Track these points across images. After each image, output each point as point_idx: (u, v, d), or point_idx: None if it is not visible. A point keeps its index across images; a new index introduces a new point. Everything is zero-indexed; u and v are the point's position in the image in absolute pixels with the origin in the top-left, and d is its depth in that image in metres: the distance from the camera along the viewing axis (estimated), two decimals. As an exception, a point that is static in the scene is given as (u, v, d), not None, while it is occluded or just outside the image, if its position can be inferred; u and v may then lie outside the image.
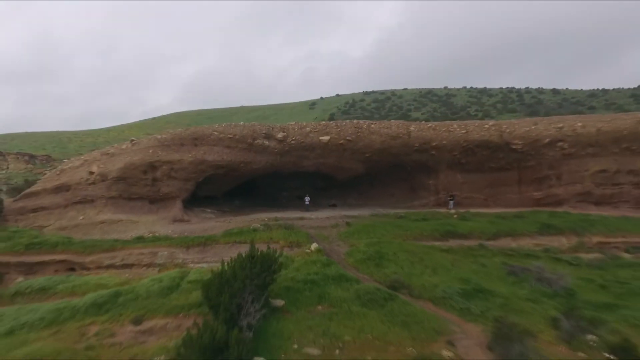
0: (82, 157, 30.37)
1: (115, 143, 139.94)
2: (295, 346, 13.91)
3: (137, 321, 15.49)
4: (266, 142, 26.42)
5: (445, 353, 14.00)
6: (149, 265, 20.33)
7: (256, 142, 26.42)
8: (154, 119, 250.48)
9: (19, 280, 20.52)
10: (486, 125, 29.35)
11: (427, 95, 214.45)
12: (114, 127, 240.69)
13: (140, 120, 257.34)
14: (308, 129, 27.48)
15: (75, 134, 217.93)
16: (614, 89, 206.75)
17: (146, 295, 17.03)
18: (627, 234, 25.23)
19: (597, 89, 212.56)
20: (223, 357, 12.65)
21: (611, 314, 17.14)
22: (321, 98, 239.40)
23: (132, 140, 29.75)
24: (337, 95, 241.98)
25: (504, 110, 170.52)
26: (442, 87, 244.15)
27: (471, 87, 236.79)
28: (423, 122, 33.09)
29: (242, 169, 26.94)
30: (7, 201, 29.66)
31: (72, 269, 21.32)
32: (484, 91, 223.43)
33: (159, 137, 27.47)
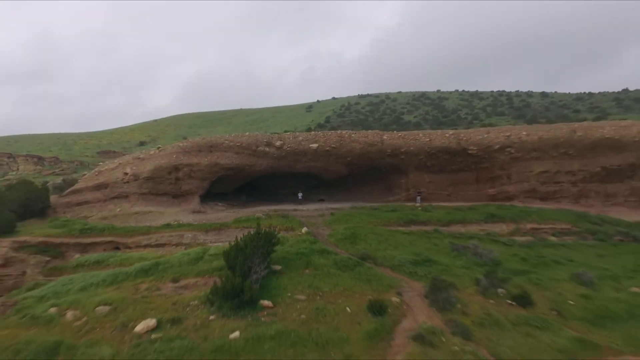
0: (116, 161, 36.20)
1: (118, 145, 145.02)
2: (289, 294, 19.81)
3: (175, 280, 21.37)
4: (267, 149, 32.34)
5: (394, 299, 19.93)
6: (177, 245, 26.19)
7: (259, 149, 32.34)
8: (155, 121, 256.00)
9: (77, 257, 26.29)
10: (447, 134, 35.27)
11: (420, 99, 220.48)
12: (117, 129, 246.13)
13: (141, 123, 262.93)
14: (300, 138, 33.42)
15: (79, 136, 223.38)
16: (599, 93, 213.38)
17: (179, 264, 22.92)
18: (556, 222, 31.25)
19: (584, 93, 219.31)
20: (239, 299, 18.58)
21: (521, 277, 23.12)
22: (318, 101, 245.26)
23: (159, 147, 35.55)
24: (334, 98, 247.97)
25: (492, 114, 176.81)
26: (436, 90, 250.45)
27: (463, 91, 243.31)
28: (394, 132, 39.04)
29: (248, 170, 32.86)
30: (54, 197, 35.35)
31: (117, 248, 27.14)
32: (475, 94, 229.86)
33: (181, 144, 33.31)
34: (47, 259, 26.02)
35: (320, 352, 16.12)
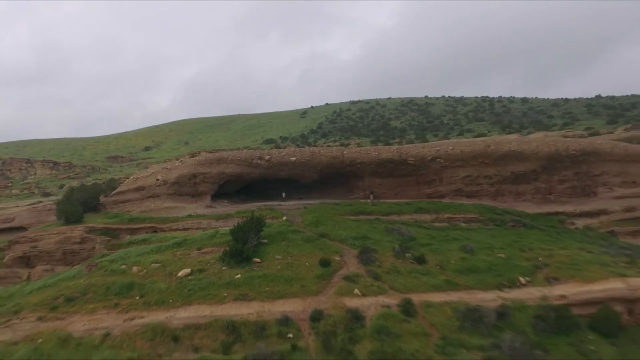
0: (149, 170, 47.79)
1: (125, 150, 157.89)
2: (271, 255, 31.40)
3: (199, 249, 32.97)
4: (259, 161, 43.85)
5: (337, 258, 31.53)
6: (197, 229, 37.73)
7: (253, 161, 43.87)
8: (157, 126, 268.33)
9: (128, 237, 37.78)
10: (391, 149, 46.90)
11: (408, 105, 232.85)
12: (122, 134, 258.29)
13: (144, 128, 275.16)
14: (283, 153, 45.04)
15: (86, 141, 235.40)
16: (574, 99, 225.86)
17: (200, 239, 34.54)
18: (467, 213, 42.96)
19: (561, 99, 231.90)
20: (240, 257, 30.14)
21: (426, 247, 34.73)
22: (312, 107, 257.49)
23: (181, 160, 47.15)
24: (327, 104, 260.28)
25: (473, 119, 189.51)
26: (424, 95, 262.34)
27: (449, 96, 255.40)
28: (352, 147, 50.75)
29: (245, 176, 44.38)
30: (102, 197, 46.83)
31: (155, 231, 38.63)
32: (460, 100, 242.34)
33: (197, 159, 44.91)
34: (108, 238, 37.49)
35: (287, 285, 27.76)
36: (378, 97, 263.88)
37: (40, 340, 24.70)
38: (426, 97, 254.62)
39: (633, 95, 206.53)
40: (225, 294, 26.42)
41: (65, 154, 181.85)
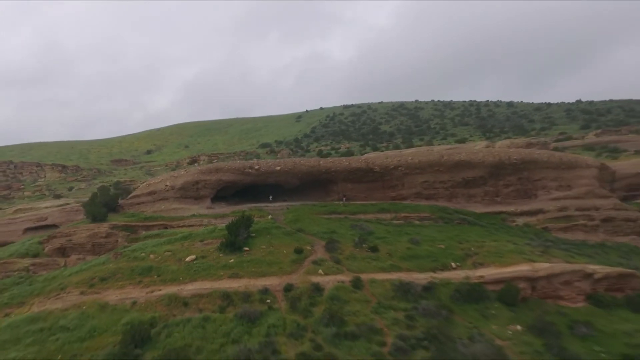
0: (159, 178, 56.59)
1: (128, 153, 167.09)
2: (257, 245, 40.22)
3: (201, 241, 41.81)
4: (250, 170, 52.67)
5: (308, 247, 40.35)
6: (200, 225, 46.54)
7: (245, 170, 52.69)
8: (158, 129, 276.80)
9: (144, 232, 46.58)
10: (360, 160, 55.83)
11: (398, 109, 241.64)
12: (124, 137, 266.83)
13: (145, 131, 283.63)
14: (270, 163, 53.90)
15: (90, 144, 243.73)
16: (556, 103, 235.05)
17: (203, 234, 43.40)
18: (422, 212, 51.88)
19: (544, 103, 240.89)
20: (233, 247, 38.97)
21: (381, 239, 43.42)
22: (307, 111, 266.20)
23: (186, 170, 55.98)
24: (321, 108, 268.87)
25: (459, 124, 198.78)
26: (414, 100, 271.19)
27: (438, 101, 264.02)
28: (328, 158, 59.63)
29: (239, 183, 53.17)
30: (120, 200, 55.59)
31: (166, 227, 47.40)
32: (448, 105, 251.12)
33: (200, 168, 53.71)
34: (128, 233, 46.26)
35: (268, 267, 36.60)
36: (371, 101, 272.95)
37: (85, 307, 33.48)
38: (416, 101, 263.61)
39: (611, 101, 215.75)
40: (222, 273, 35.30)
41: (72, 158, 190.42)
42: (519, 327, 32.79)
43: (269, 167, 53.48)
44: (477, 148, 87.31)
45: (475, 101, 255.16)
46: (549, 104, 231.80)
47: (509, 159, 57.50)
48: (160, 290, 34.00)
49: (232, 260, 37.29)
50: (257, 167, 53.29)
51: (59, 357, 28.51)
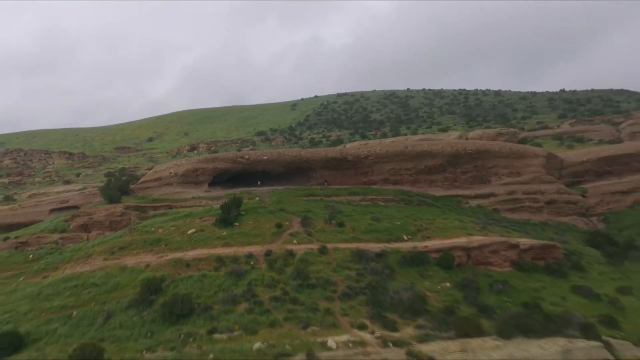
0: (164, 166, 65.43)
1: (130, 141, 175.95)
2: (246, 221, 49.22)
3: (200, 218, 50.87)
4: (241, 159, 61.50)
5: (287, 223, 49.34)
6: (199, 205, 55.52)
7: (237, 159, 61.52)
8: (158, 117, 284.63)
9: (152, 212, 55.60)
10: (336, 150, 64.64)
11: (389, 97, 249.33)
12: (125, 124, 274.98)
13: (146, 118, 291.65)
14: (258, 153, 62.75)
15: (94, 131, 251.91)
16: (540, 92, 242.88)
17: (202, 212, 52.44)
18: (386, 195, 60.91)
19: (529, 92, 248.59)
20: (226, 222, 48.03)
21: (348, 217, 52.33)
22: (302, 99, 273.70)
23: (187, 159, 64.78)
24: (316, 96, 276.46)
25: (446, 113, 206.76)
26: (405, 88, 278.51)
27: (429, 89, 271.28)
28: (308, 148, 68.41)
29: (232, 170, 62.03)
30: (131, 185, 64.52)
31: (170, 208, 56.39)
32: (438, 93, 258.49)
33: (198, 158, 62.49)
34: (139, 213, 55.26)
35: (253, 238, 45.68)
36: (365, 89, 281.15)
37: (108, 269, 42.52)
38: (408, 89, 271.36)
39: (592, 90, 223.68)
40: (216, 243, 44.36)
41: (77, 145, 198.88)
42: (448, 284, 41.86)
43: (257, 156, 62.41)
44: (450, 138, 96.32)
45: (464, 90, 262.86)
46: (534, 93, 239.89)
47: (465, 149, 66.39)
48: (167, 256, 43.06)
49: (225, 233, 46.36)
50: (247, 157, 62.21)
51: (92, 304, 37.60)
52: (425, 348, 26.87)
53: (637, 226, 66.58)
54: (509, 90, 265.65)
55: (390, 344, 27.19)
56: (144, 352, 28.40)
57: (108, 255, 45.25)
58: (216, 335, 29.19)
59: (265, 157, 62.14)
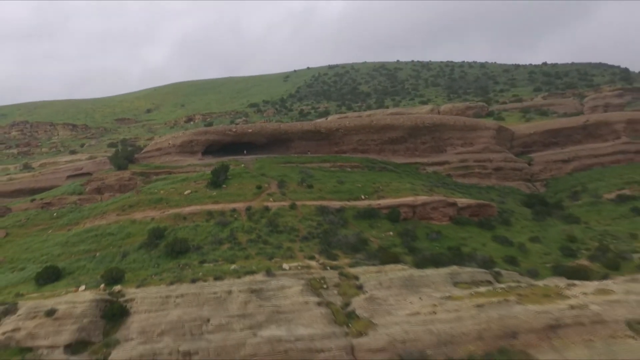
0: (163, 137, 75.34)
1: (130, 113, 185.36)
2: (232, 183, 59.59)
3: (195, 181, 61.19)
4: (229, 132, 71.34)
5: (266, 185, 59.65)
6: (194, 171, 65.63)
7: (226, 132, 71.38)
8: (155, 89, 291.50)
9: (155, 177, 65.85)
10: (310, 124, 74.45)
11: (379, 69, 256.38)
12: (124, 96, 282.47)
13: (143, 90, 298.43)
14: (244, 127, 72.49)
15: (94, 103, 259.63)
16: (523, 65, 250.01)
17: (196, 177, 62.71)
18: (353, 162, 71.06)
19: (512, 65, 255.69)
20: (216, 184, 58.35)
21: (318, 180, 62.78)
22: (294, 71, 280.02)
23: (184, 132, 74.52)
24: (308, 68, 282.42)
25: (430, 85, 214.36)
26: (395, 60, 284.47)
27: (417, 61, 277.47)
28: (287, 122, 78.25)
29: (221, 142, 71.95)
30: (136, 155, 74.47)
31: (170, 173, 66.60)
32: (425, 65, 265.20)
33: (193, 131, 72.29)
34: (144, 177, 65.43)
35: (237, 197, 56.11)
36: (355, 61, 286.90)
37: (121, 222, 52.87)
38: (397, 61, 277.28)
39: (573, 64, 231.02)
40: (207, 201, 54.70)
41: (79, 117, 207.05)
42: (391, 233, 52.41)
43: (243, 130, 72.39)
44: (422, 111, 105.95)
45: (451, 62, 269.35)
46: (517, 66, 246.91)
47: (423, 123, 76.38)
48: (168, 211, 53.38)
49: (215, 193, 56.72)
50: (234, 130, 72.16)
51: (111, 247, 48.06)
52: (353, 270, 37.62)
53: (570, 189, 77.09)
54: (495, 62, 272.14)
55: (328, 268, 37.98)
56: (153, 275, 38.96)
57: (120, 212, 55.55)
58: (205, 264, 39.80)
59: (250, 130, 72.12)
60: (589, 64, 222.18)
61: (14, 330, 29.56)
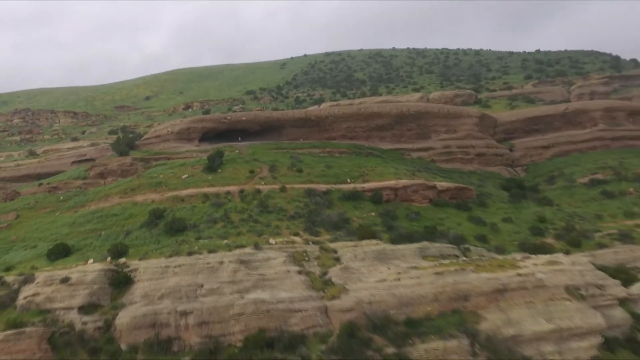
0: (162, 125, 79.14)
1: (129, 100, 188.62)
2: (226, 167, 63.71)
3: (192, 166, 65.29)
4: (224, 120, 75.16)
5: (258, 170, 63.74)
6: (191, 157, 69.61)
7: (221, 120, 75.23)
8: (154, 76, 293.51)
9: (154, 162, 69.90)
10: (301, 112, 78.19)
11: (374, 57, 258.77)
12: (123, 83, 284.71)
13: (142, 77, 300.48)
14: (238, 115, 76.32)
15: (93, 90, 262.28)
16: (516, 52, 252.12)
17: (192, 162, 66.74)
18: (342, 148, 75.06)
19: (506, 52, 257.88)
20: (211, 169, 62.45)
21: (307, 165, 66.85)
22: (291, 58, 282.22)
23: (181, 120, 78.33)
24: (305, 55, 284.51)
25: (424, 72, 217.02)
26: (391, 47, 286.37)
27: (413, 48, 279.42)
28: (281, 109, 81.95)
29: (217, 129, 75.82)
30: (136, 142, 78.36)
31: (169, 159, 70.61)
32: (421, 52, 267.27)
33: (190, 119, 76.08)
34: (144, 163, 69.48)
35: (231, 180, 60.26)
36: (351, 49, 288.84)
37: (123, 204, 57.05)
38: (393, 48, 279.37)
39: (565, 51, 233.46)
40: (204, 184, 58.83)
41: (79, 105, 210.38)
42: (373, 214, 56.56)
43: (237, 117, 76.33)
44: (413, 99, 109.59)
45: (446, 49, 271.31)
46: (511, 53, 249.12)
47: (408, 111, 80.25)
48: (167, 194, 57.52)
49: (210, 177, 60.86)
50: (228, 117, 76.11)
51: (115, 227, 52.24)
52: (333, 245, 41.97)
53: (547, 174, 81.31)
54: (490, 49, 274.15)
55: (311, 243, 42.33)
56: (154, 250, 43.26)
57: (122, 195, 59.68)
58: (200, 240, 44.04)
59: (243, 118, 76.06)
60: (581, 52, 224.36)
61: (34, 295, 33.91)
